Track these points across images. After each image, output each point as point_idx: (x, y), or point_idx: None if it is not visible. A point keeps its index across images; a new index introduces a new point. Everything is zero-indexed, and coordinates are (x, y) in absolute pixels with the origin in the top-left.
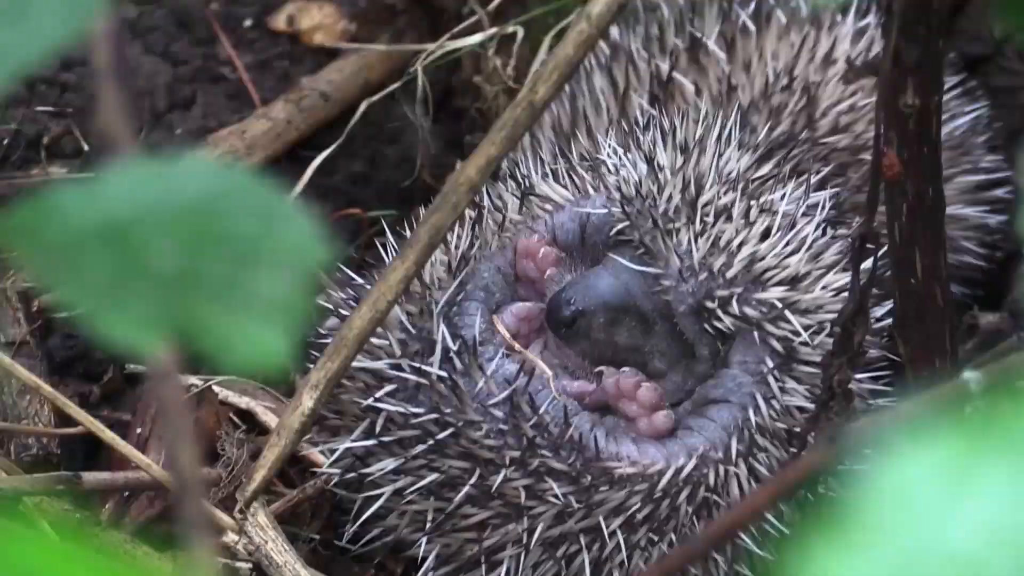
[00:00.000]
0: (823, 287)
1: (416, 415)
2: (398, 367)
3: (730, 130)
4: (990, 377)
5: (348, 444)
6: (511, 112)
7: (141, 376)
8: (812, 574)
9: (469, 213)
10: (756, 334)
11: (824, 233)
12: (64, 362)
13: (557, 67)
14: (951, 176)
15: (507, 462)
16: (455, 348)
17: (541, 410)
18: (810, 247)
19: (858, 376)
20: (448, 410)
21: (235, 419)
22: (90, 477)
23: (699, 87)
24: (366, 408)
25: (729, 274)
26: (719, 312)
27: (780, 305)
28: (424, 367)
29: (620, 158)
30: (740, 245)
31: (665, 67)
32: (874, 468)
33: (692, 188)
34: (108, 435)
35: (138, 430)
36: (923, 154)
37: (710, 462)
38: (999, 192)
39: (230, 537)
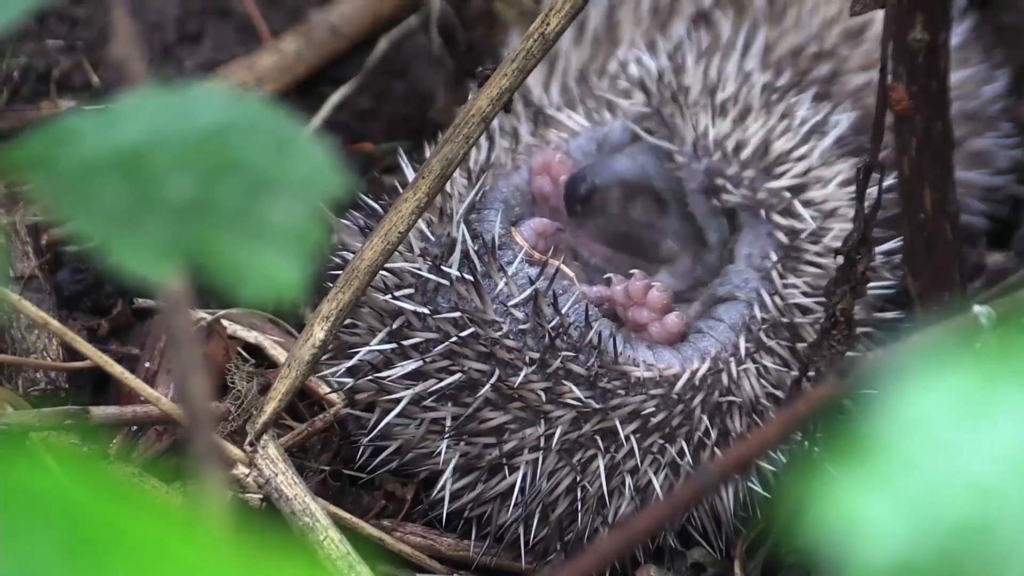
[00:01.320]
0: (836, 185)
1: (437, 314)
2: (418, 268)
3: (754, 45)
4: (1000, 311)
5: (369, 348)
6: (523, 44)
7: (149, 310)
8: (834, 504)
9: (484, 142)
10: (763, 227)
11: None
12: (72, 296)
13: None
14: (965, 137)
15: (527, 361)
16: (475, 248)
17: (563, 311)
18: (825, 154)
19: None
20: (468, 310)
21: (244, 353)
22: (98, 411)
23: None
24: (384, 309)
25: (743, 156)
26: (729, 186)
27: (789, 195)
28: (444, 267)
29: (645, 53)
30: (756, 132)
31: (707, 2)
32: (892, 400)
33: (713, 82)
34: (117, 369)
35: (147, 364)
36: (931, 88)
37: (722, 363)
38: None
39: (240, 470)
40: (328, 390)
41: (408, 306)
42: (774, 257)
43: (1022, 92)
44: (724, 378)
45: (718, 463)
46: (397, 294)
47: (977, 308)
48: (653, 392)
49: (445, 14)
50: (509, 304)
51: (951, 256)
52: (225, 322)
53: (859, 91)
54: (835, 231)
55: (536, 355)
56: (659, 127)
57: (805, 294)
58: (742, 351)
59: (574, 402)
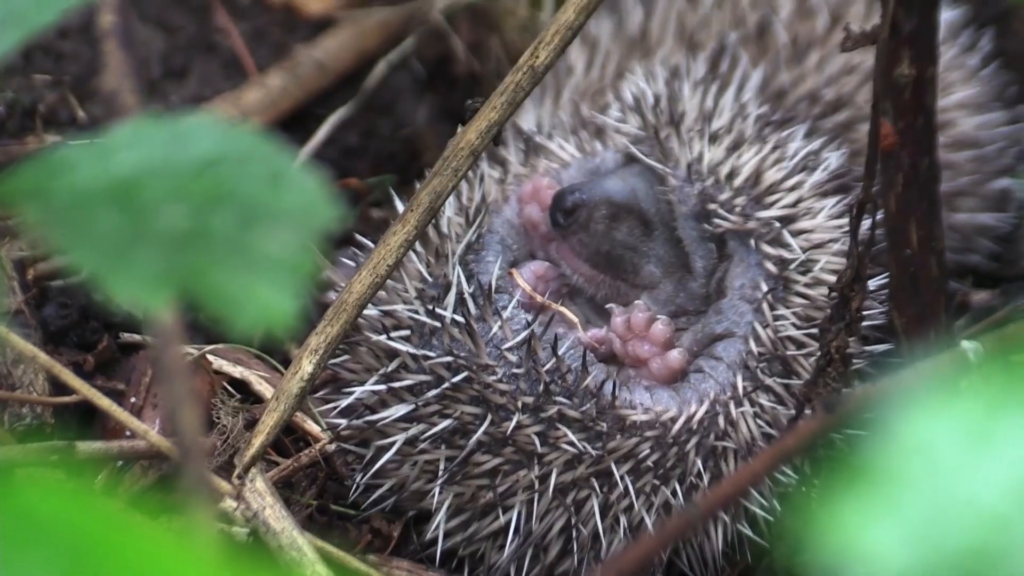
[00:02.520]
0: (825, 217)
1: (429, 358)
2: (413, 311)
3: (754, 78)
4: (987, 346)
5: (362, 390)
6: (512, 77)
7: (135, 345)
8: (839, 531)
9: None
10: (752, 256)
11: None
12: (58, 331)
13: (559, 32)
14: (983, 181)
15: (519, 407)
16: (470, 291)
17: (560, 354)
18: (816, 186)
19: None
20: (462, 354)
21: (229, 388)
22: (85, 446)
23: (755, 64)
24: (379, 349)
25: (736, 183)
26: (721, 212)
27: (779, 224)
28: (439, 311)
29: (643, 79)
30: (749, 161)
31: (731, 40)
32: (893, 428)
33: (709, 110)
34: (105, 402)
35: (132, 399)
36: (918, 124)
37: (720, 405)
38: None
39: (228, 503)
40: (314, 425)
41: (403, 348)
42: (764, 288)
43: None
44: (721, 420)
45: (707, 497)
46: (393, 335)
47: (965, 344)
48: (648, 434)
49: (433, 47)
50: (503, 348)
51: (937, 292)
52: (211, 357)
53: (850, 129)
54: (823, 262)
55: (529, 400)
56: (653, 150)
57: (796, 326)
58: (740, 390)
59: (568, 447)
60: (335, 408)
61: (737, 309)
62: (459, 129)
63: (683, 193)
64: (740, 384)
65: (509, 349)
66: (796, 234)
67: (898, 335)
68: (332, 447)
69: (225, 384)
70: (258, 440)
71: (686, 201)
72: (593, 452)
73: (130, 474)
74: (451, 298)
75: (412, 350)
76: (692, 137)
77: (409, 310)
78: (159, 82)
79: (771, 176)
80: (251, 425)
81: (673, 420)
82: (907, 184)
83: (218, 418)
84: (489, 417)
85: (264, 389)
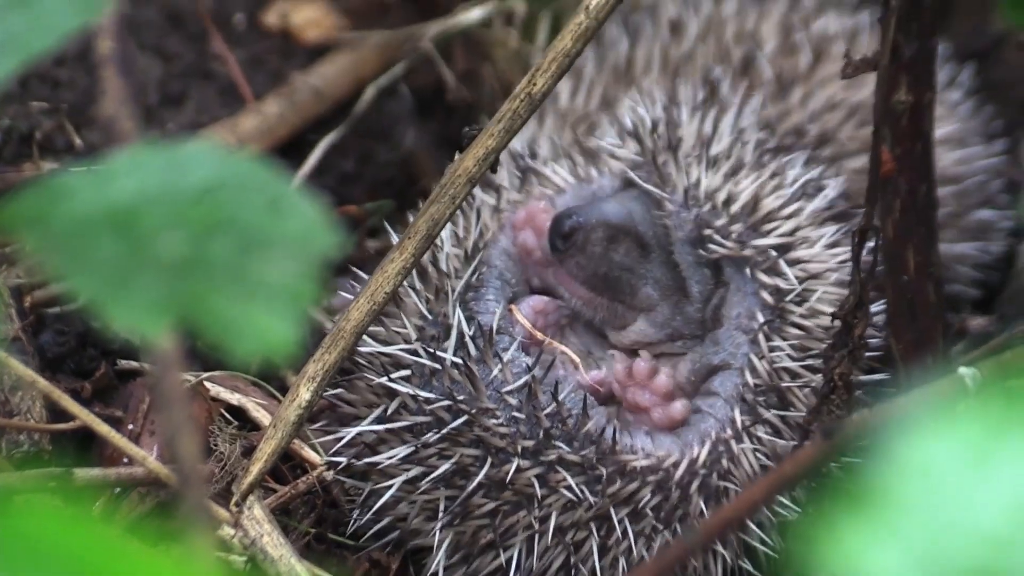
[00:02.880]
0: (822, 247)
1: (429, 401)
2: (413, 352)
3: (751, 106)
4: (985, 373)
5: (361, 428)
6: (509, 104)
7: (132, 372)
8: (842, 553)
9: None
10: (748, 286)
11: (830, 208)
12: (56, 358)
13: (555, 59)
14: (963, 213)
15: (519, 451)
16: (471, 333)
17: (561, 398)
18: (814, 215)
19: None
20: (462, 397)
21: (226, 415)
22: (82, 473)
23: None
24: (379, 388)
25: (732, 209)
26: (717, 238)
27: (775, 253)
28: (439, 353)
29: (641, 104)
30: (747, 187)
31: (716, 74)
32: (895, 451)
33: (708, 136)
34: (103, 429)
35: (130, 426)
36: (915, 150)
37: (721, 444)
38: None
39: (225, 530)
40: (312, 453)
41: (403, 388)
42: (760, 318)
43: (1013, 150)
44: (724, 460)
45: (705, 524)
46: (393, 375)
47: (963, 370)
48: (650, 479)
49: (427, 75)
50: (503, 391)
51: (934, 318)
52: (208, 384)
53: (855, 167)
54: (819, 293)
55: (529, 443)
56: (650, 176)
57: (791, 357)
58: (739, 425)
59: (566, 492)
60: (335, 442)
61: (733, 340)
62: (456, 156)
63: (679, 218)
64: (739, 419)
65: (509, 393)
66: (792, 263)
67: (896, 361)
68: (330, 475)
69: (222, 411)
70: (256, 467)
71: (682, 226)
72: (592, 499)
73: (128, 501)
74: (451, 340)
75: (412, 391)
76: (690, 163)
77: (408, 350)
78: (156, 109)
79: (769, 203)
80: (248, 452)
81: (675, 465)
82: (905, 210)
83: (215, 445)
84: (489, 460)
85: (261, 416)
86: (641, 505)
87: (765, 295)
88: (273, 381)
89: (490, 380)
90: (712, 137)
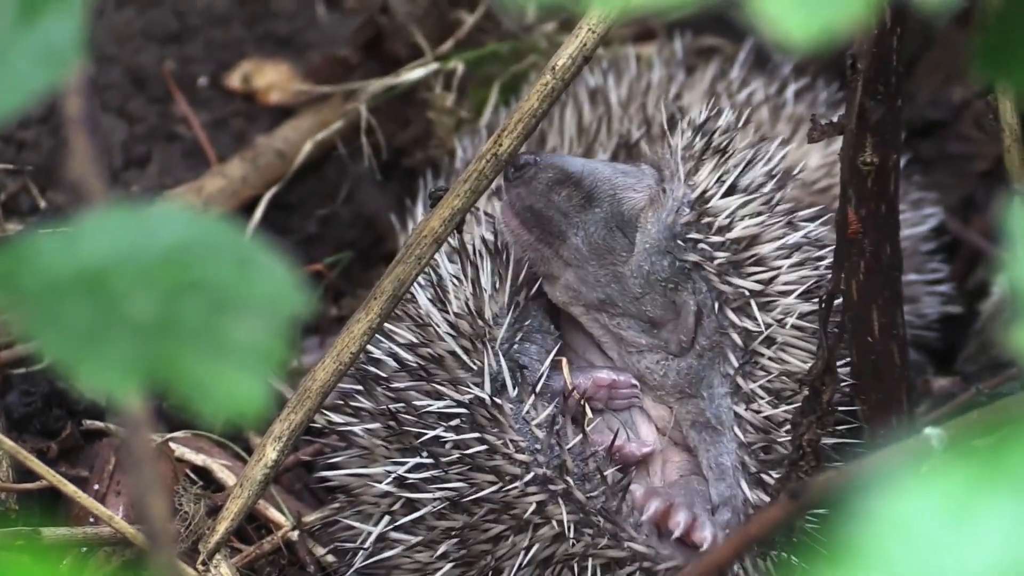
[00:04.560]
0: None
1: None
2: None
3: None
4: (951, 433)
5: (370, 539)
6: (476, 165)
7: (98, 432)
8: None
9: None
10: (716, 317)
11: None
12: (22, 418)
13: (522, 119)
14: None
15: (531, 476)
16: (515, 381)
17: (588, 429)
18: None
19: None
20: (489, 434)
21: (191, 475)
22: (50, 532)
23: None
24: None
25: (730, 234)
26: (706, 248)
27: (747, 293)
28: (478, 393)
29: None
30: (752, 220)
31: (636, 134)
32: (870, 508)
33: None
34: (70, 489)
35: (96, 486)
36: (880, 211)
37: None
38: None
39: None
40: (276, 512)
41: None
42: (734, 362)
43: (967, 218)
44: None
45: None
46: (402, 471)
47: (929, 430)
48: (639, 565)
49: (378, 139)
50: (532, 422)
51: (899, 379)
52: (173, 444)
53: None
54: (788, 329)
55: (543, 471)
56: (663, 155)
57: (772, 404)
58: (752, 501)
59: (557, 526)
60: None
61: (715, 401)
62: (418, 214)
63: (674, 198)
64: (749, 495)
65: (539, 425)
66: (763, 307)
67: (861, 421)
68: (295, 534)
69: (187, 471)
70: (223, 526)
71: (673, 209)
72: (577, 543)
73: (95, 560)
74: (486, 380)
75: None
76: (703, 161)
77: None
78: (120, 171)
79: (765, 249)
80: (213, 512)
81: (670, 571)
82: (869, 271)
83: (180, 505)
84: (499, 484)
85: (226, 477)
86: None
87: (734, 336)
88: (238, 441)
89: (522, 414)
90: (747, 166)
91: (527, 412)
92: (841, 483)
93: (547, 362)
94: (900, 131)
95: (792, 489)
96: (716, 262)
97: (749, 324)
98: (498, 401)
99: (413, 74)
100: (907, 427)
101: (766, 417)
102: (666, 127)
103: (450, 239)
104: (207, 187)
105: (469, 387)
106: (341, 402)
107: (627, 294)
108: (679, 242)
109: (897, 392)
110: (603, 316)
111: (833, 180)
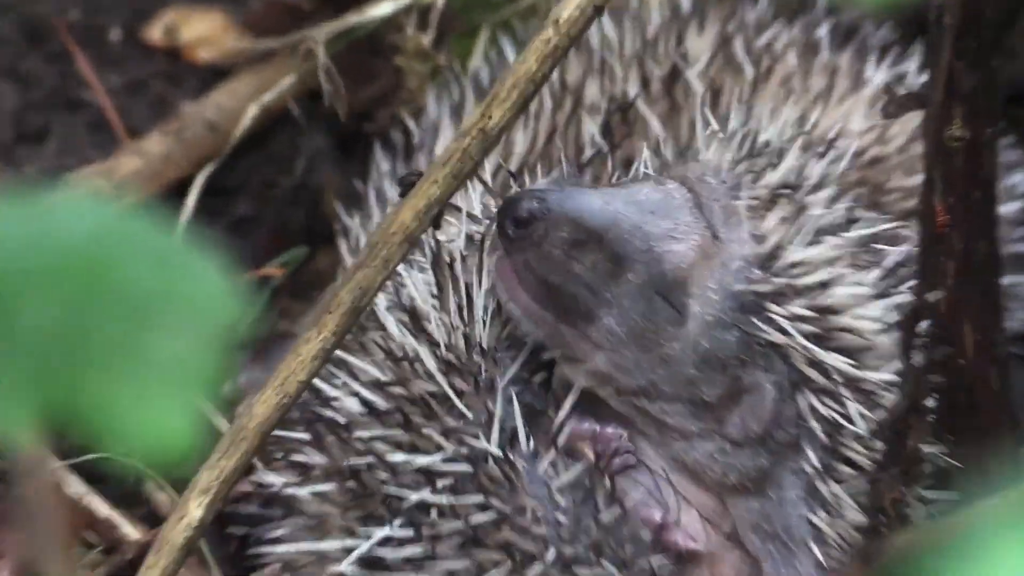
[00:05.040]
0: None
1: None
2: (451, 459)
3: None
4: None
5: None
6: (458, 142)
7: None
8: None
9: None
10: (794, 403)
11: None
12: None
13: (516, 85)
14: None
15: (552, 556)
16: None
17: (628, 505)
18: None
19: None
20: (496, 501)
21: (92, 530)
22: None
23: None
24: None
25: (801, 283)
26: (783, 321)
27: (838, 377)
28: (481, 446)
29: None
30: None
31: (632, 91)
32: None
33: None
34: None
35: None
36: (972, 198)
37: None
38: None
39: None
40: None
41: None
42: (814, 460)
43: None
44: None
45: None
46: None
47: None
48: None
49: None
50: (554, 485)
51: (998, 412)
52: (73, 490)
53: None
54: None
55: (568, 550)
56: (704, 186)
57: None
58: None
59: None
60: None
61: (784, 497)
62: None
63: (733, 256)
64: None
65: (560, 489)
66: (855, 391)
67: (950, 466)
68: None
69: (87, 525)
70: None
71: (731, 268)
72: None
73: None
74: (495, 431)
75: (443, 500)
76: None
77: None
78: (11, 148)
79: (838, 294)
80: None
81: None
82: (959, 275)
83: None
84: (509, 564)
85: (130, 532)
86: None
87: (814, 426)
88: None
89: (538, 474)
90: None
91: (546, 471)
92: (925, 545)
93: (569, 403)
94: (997, 99)
95: (864, 552)
96: (798, 339)
97: (836, 414)
98: (510, 456)
99: (380, 9)
100: (1009, 473)
101: (856, 529)
102: (701, 135)
103: (425, 236)
104: (120, 168)
105: (466, 438)
106: (279, 456)
107: (677, 378)
108: (751, 317)
109: (996, 428)
110: (642, 400)
111: (885, 148)
